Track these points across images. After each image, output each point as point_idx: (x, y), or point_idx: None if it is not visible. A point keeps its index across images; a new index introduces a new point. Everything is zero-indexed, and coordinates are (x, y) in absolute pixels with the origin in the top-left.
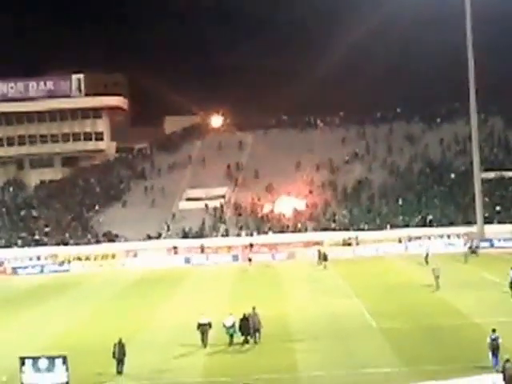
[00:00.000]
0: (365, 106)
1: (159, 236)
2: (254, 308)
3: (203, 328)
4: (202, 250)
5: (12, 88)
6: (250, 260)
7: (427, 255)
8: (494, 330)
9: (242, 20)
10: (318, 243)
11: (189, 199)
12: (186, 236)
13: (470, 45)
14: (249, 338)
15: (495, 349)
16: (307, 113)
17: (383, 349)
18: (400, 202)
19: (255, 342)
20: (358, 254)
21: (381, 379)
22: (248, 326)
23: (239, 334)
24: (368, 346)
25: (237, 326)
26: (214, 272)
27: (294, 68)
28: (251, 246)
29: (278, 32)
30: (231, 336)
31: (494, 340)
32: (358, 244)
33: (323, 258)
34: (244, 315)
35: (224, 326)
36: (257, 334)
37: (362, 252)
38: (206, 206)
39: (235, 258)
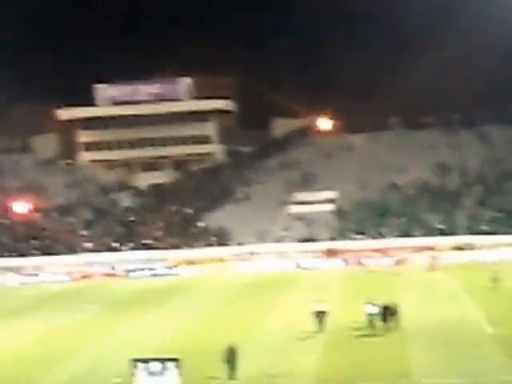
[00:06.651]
0: (477, 106)
1: (268, 240)
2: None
3: (320, 315)
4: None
5: (121, 92)
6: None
7: None
8: None
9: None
10: (430, 248)
11: (298, 203)
12: (297, 240)
13: None
14: (390, 323)
15: None
16: (419, 114)
17: (499, 356)
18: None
19: (395, 326)
20: (472, 259)
21: None
22: (389, 314)
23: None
24: (484, 353)
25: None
26: (324, 276)
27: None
28: None
29: (393, 34)
30: (371, 321)
31: None
32: (472, 249)
33: None
34: (385, 305)
35: (368, 313)
36: (394, 317)
37: (477, 257)
38: (316, 210)
39: (346, 262)
